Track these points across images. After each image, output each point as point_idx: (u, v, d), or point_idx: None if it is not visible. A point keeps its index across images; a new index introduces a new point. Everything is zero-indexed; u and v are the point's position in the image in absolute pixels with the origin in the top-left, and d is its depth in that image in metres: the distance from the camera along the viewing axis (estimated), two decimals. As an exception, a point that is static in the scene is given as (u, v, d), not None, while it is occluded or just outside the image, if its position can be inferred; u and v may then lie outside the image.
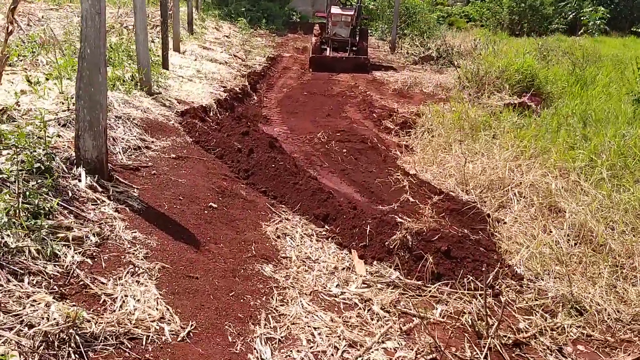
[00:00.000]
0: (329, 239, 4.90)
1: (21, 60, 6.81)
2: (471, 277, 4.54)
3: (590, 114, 8.13)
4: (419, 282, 4.41)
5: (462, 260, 4.71)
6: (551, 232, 5.61)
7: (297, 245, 4.63)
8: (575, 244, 5.43)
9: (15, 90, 5.13)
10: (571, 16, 27.86)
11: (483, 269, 4.66)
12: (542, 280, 4.79)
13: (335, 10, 16.70)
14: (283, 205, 5.36)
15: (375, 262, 4.62)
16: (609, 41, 21.39)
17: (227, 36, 19.88)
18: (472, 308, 4.11)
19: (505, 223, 5.98)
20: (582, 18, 26.41)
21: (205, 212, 4.60)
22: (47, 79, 5.88)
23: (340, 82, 13.87)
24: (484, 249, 5.03)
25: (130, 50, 8.40)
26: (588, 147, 7.08)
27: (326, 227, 5.07)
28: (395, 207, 5.59)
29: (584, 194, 6.17)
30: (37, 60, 6.94)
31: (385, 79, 14.67)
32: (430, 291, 4.31)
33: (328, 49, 16.38)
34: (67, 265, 3.20)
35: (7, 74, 5.89)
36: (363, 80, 14.35)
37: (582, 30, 25.78)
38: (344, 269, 4.43)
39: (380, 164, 6.87)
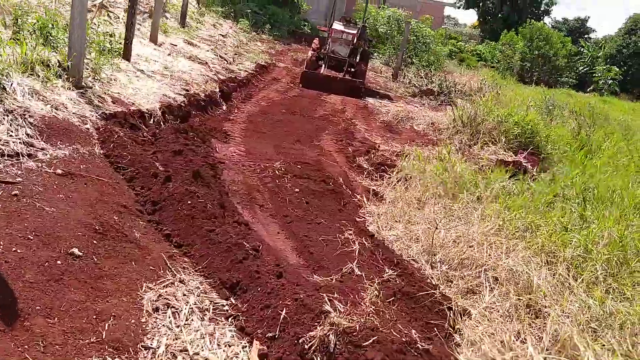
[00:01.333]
0: (229, 319, 3.67)
1: None
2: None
3: (593, 190, 6.96)
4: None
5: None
6: (525, 341, 4.42)
7: (178, 327, 3.39)
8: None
9: None
10: (583, 71, 26.98)
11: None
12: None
13: (337, 26, 15.59)
14: (187, 259, 4.13)
15: (277, 365, 3.40)
16: (618, 103, 20.45)
17: (223, 35, 18.77)
18: None
19: (470, 318, 4.77)
20: (593, 75, 25.52)
21: (59, 262, 3.35)
22: None
23: (327, 104, 12.71)
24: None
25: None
26: (585, 232, 5.90)
27: (231, 300, 3.84)
28: (333, 281, 4.37)
29: (572, 294, 4.98)
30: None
31: (377, 108, 13.52)
32: None
33: (323, 65, 15.23)
34: None
35: None
36: (353, 105, 13.20)
37: (591, 88, 24.87)
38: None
39: (335, 214, 5.66)
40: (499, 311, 4.88)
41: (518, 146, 9.55)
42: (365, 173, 7.83)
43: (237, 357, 3.37)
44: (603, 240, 5.71)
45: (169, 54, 11.08)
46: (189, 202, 4.53)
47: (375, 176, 7.73)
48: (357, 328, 3.60)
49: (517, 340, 4.54)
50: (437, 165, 7.47)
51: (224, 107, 9.72)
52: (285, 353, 3.43)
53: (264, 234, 4.92)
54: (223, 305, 3.77)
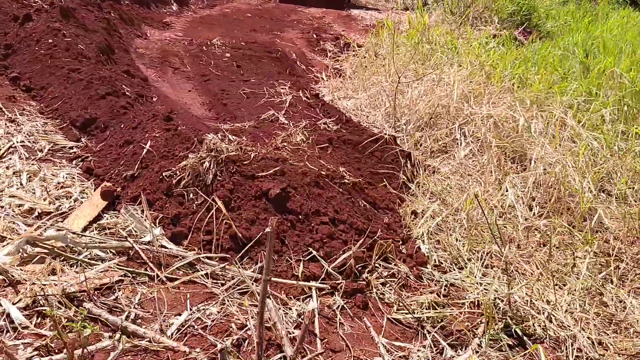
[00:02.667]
0: (73, 162, 2.60)
1: None
2: (316, 253, 2.27)
3: (598, 44, 5.72)
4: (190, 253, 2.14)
5: (307, 219, 2.42)
6: (506, 192, 3.32)
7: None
8: (542, 215, 3.16)
9: None
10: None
11: (350, 246, 2.38)
12: (462, 271, 2.52)
13: None
14: (33, 102, 3.05)
15: (130, 207, 2.34)
16: None
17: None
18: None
19: (436, 172, 3.68)
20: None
21: None
22: None
23: (304, 13, 11.38)
24: (369, 204, 2.74)
25: None
26: (588, 78, 4.72)
27: (83, 140, 2.77)
28: (247, 127, 3.28)
29: (569, 139, 3.84)
30: None
31: (360, 17, 12.14)
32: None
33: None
34: None
35: None
36: (334, 15, 11.83)
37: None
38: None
39: (273, 77, 4.52)
40: (476, 166, 3.80)
41: (513, 26, 8.27)
42: (330, 56, 6.65)
43: (69, 198, 2.32)
44: (611, 82, 4.55)
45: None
46: (50, 40, 3.42)
47: (341, 57, 6.56)
48: (252, 157, 2.53)
49: (493, 189, 3.48)
50: (410, 32, 6.25)
51: (174, 7, 8.50)
52: (145, 191, 2.37)
53: (167, 90, 3.83)
54: (70, 148, 2.71)
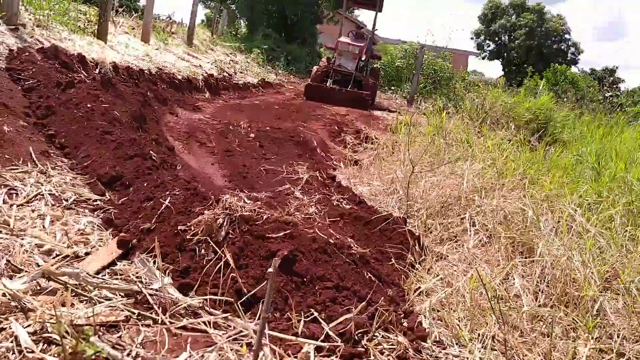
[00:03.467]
0: (95, 212, 2.74)
1: None
2: (317, 315, 2.31)
3: (611, 153, 5.89)
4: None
5: (312, 282, 2.48)
6: (513, 280, 3.35)
7: (6, 203, 2.49)
8: (547, 305, 3.17)
9: None
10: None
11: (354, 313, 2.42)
12: (463, 350, 2.52)
13: (344, 39, 14.94)
14: (65, 160, 3.25)
15: (144, 258, 2.44)
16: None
17: (232, 61, 18.27)
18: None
19: (444, 259, 3.74)
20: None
21: None
22: None
23: (328, 110, 11.89)
24: (374, 276, 2.79)
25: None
26: (599, 181, 4.84)
27: (107, 195, 2.93)
28: (263, 196, 3.43)
29: (577, 235, 3.90)
30: None
31: (382, 117, 12.65)
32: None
33: (329, 80, 14.45)
34: None
35: None
36: (357, 114, 12.35)
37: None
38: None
39: (292, 158, 4.73)
40: (484, 255, 3.85)
41: (529, 134, 8.54)
42: (349, 147, 6.91)
43: (87, 244, 2.43)
44: (622, 186, 4.65)
45: (157, 49, 10.52)
46: (89, 105, 3.68)
47: (359, 148, 6.82)
48: (264, 218, 2.64)
49: (504, 280, 3.50)
50: (428, 129, 6.51)
51: (207, 95, 8.99)
52: (159, 243, 2.48)
53: (190, 160, 4.04)
54: (94, 201, 2.86)
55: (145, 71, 6.97)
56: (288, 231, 2.61)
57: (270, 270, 1.58)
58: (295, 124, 7.27)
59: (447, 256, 3.88)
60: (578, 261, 3.36)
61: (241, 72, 15.99)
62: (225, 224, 2.51)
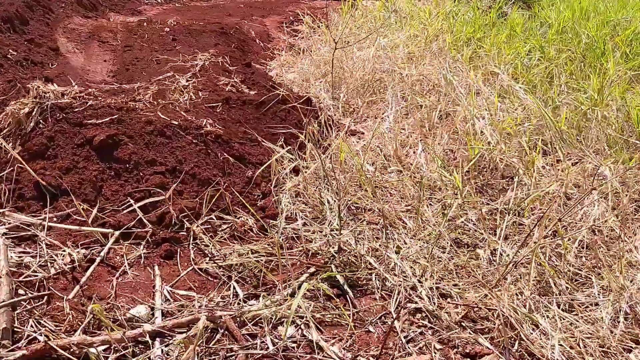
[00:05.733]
0: None
1: None
2: (134, 203, 2.05)
3: (573, 6, 5.29)
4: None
5: (137, 168, 2.20)
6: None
7: None
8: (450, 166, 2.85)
9: None
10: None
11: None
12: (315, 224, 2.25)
13: None
14: None
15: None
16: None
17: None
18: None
19: (356, 134, 3.43)
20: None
21: None
22: None
23: (305, 4, 11.15)
24: (233, 158, 2.48)
25: None
26: (545, 35, 4.33)
27: None
28: (115, 87, 3.10)
29: (502, 92, 3.49)
30: None
31: (362, 5, 11.87)
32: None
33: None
34: None
35: None
36: (337, 5, 11.60)
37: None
38: None
39: (207, 49, 4.33)
40: (407, 125, 3.51)
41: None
42: (299, 35, 6.42)
43: None
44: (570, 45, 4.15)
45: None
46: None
47: (298, 34, 6.33)
48: (87, 104, 2.33)
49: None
50: (379, 4, 5.98)
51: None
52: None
53: (77, 59, 3.70)
54: None
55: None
56: (115, 115, 2.30)
57: None
58: (241, 18, 6.76)
59: (363, 133, 3.58)
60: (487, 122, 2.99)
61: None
62: (35, 113, 2.21)
